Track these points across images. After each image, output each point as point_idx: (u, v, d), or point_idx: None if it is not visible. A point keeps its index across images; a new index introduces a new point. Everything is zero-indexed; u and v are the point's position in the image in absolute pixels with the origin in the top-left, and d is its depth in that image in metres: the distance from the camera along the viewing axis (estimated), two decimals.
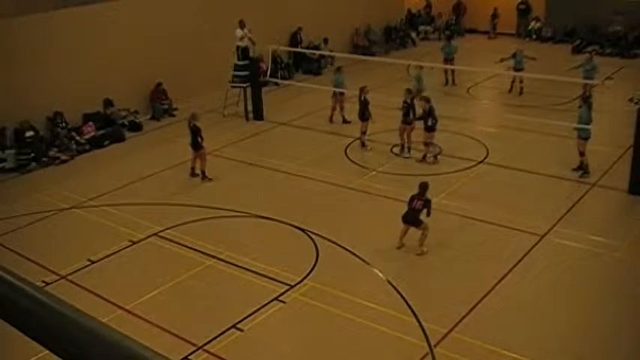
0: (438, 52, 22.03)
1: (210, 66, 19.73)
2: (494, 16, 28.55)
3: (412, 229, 10.93)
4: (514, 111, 17.96)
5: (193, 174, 14.46)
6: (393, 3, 28.40)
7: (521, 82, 19.75)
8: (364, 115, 15.69)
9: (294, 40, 23.09)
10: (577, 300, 9.73)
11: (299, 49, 22.70)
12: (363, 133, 15.90)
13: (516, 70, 19.65)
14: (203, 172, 14.27)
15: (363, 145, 15.98)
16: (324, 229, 11.75)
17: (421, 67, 18.72)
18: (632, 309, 9.47)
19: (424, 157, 14.79)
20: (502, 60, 19.99)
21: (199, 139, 14.12)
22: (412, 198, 10.95)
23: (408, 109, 14.97)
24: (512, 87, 20.10)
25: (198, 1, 19.98)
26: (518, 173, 14.13)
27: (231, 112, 18.78)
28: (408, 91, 15.41)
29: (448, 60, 21.34)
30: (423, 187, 10.98)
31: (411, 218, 10.85)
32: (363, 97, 15.72)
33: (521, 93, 19.74)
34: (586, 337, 8.81)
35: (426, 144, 14.69)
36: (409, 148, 15.13)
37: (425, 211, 10.84)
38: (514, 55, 19.68)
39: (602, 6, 25.62)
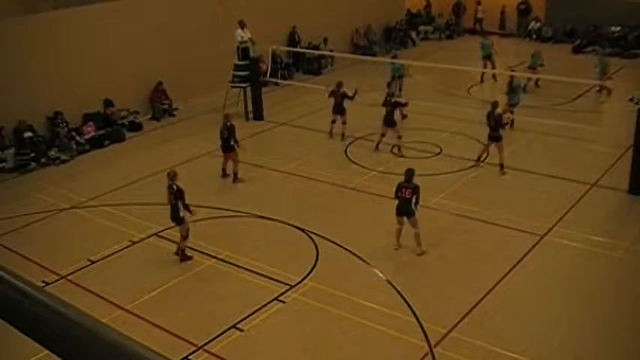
0: (438, 52, 21.98)
1: (211, 66, 19.71)
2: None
3: (405, 227, 10.86)
4: (514, 111, 17.90)
5: (225, 175, 14.36)
6: (393, 3, 28.38)
7: (537, 80, 20.02)
8: (342, 109, 16.15)
9: (292, 39, 23.05)
10: (577, 300, 9.73)
11: (298, 49, 22.67)
12: (340, 123, 16.30)
13: (531, 68, 19.94)
14: (235, 174, 14.13)
15: (330, 133, 16.43)
16: (324, 229, 11.75)
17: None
18: (632, 308, 9.46)
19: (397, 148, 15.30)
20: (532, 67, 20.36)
21: (232, 141, 13.93)
22: (400, 187, 10.79)
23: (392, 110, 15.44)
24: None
25: (198, 1, 19.97)
26: (518, 173, 14.12)
27: (231, 112, 18.74)
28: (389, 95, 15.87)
29: (485, 57, 21.33)
30: (410, 173, 10.78)
31: (405, 208, 10.72)
32: (341, 91, 16.06)
33: (537, 85, 20.09)
34: (586, 337, 8.82)
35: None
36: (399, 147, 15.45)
37: (414, 198, 10.69)
38: (533, 55, 20.09)
39: (602, 6, 25.64)
